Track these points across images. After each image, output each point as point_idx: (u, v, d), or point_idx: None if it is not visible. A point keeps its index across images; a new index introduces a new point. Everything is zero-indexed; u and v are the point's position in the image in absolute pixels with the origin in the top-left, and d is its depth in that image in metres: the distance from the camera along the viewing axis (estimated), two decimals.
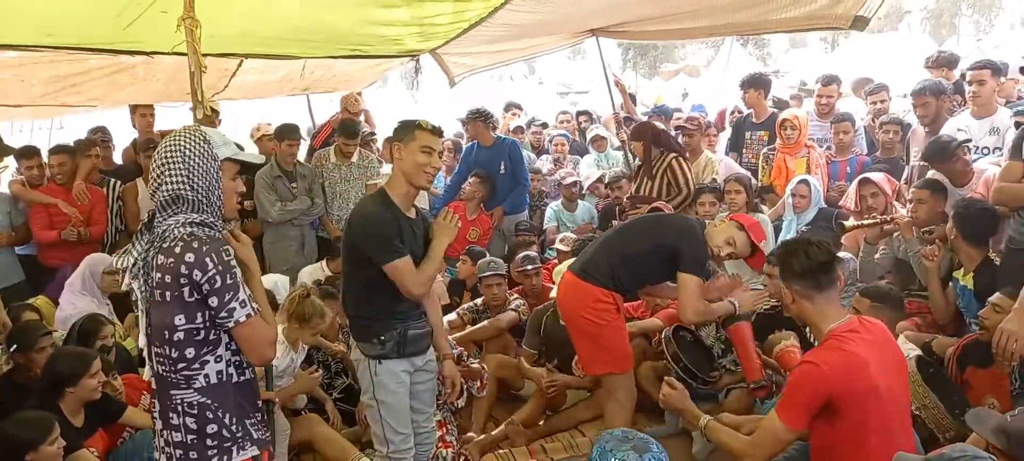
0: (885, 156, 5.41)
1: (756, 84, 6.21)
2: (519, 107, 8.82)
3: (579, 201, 6.61)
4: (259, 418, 2.18)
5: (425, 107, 15.58)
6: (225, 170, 2.10)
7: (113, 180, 5.47)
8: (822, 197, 5.18)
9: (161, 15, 3.92)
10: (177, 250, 1.93)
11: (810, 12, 4.82)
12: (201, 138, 2.06)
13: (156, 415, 2.11)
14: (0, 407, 3.11)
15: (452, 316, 4.85)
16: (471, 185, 6.13)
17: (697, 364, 3.77)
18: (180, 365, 1.99)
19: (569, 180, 6.50)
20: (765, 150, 5.86)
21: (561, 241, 5.73)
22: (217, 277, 1.93)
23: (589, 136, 7.52)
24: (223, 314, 1.96)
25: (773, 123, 5.85)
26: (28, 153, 5.20)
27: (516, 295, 4.93)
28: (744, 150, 6.26)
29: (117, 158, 6.29)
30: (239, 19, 4.44)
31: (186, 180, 2.00)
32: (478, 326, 4.67)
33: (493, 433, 4.04)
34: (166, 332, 1.97)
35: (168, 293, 1.94)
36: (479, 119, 6.25)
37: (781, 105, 7.11)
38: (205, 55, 3.28)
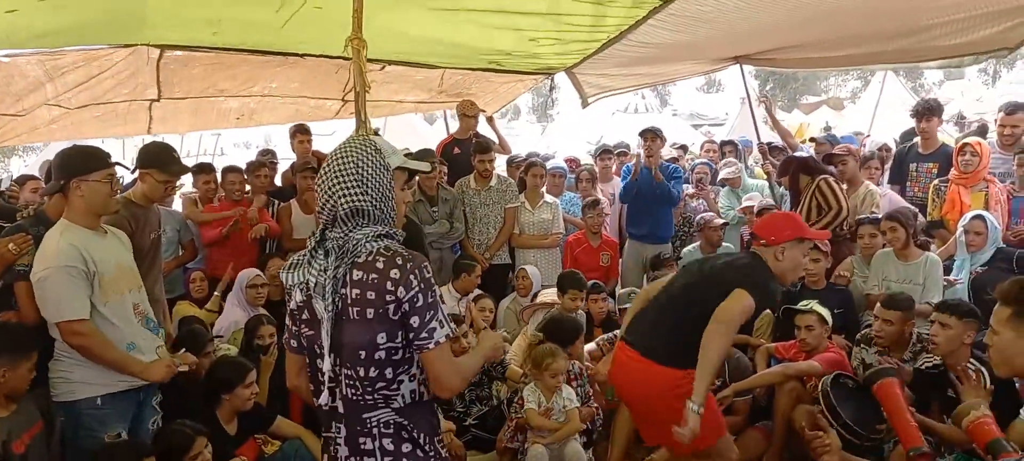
0: None
1: (932, 112, 5.73)
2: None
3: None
4: (441, 437, 2.08)
5: (554, 137, 15.67)
6: (396, 179, 1.98)
7: (276, 201, 5.88)
8: (1000, 236, 4.69)
9: (315, 11, 4.17)
10: (379, 265, 1.83)
11: (978, 38, 4.40)
12: (372, 148, 1.94)
13: (339, 442, 1.96)
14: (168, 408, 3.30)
15: (591, 346, 4.70)
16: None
17: (860, 417, 3.41)
18: (379, 385, 1.89)
19: (715, 221, 6.13)
20: (936, 181, 5.37)
21: None
22: (419, 296, 1.83)
23: (721, 174, 7.22)
24: (424, 335, 1.84)
25: (943, 154, 5.39)
26: (204, 169, 5.73)
27: None
28: (909, 183, 5.79)
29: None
30: (392, 28, 4.61)
31: (362, 192, 1.88)
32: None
33: None
34: (363, 352, 1.86)
35: (369, 310, 1.83)
36: (659, 137, 6.38)
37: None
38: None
